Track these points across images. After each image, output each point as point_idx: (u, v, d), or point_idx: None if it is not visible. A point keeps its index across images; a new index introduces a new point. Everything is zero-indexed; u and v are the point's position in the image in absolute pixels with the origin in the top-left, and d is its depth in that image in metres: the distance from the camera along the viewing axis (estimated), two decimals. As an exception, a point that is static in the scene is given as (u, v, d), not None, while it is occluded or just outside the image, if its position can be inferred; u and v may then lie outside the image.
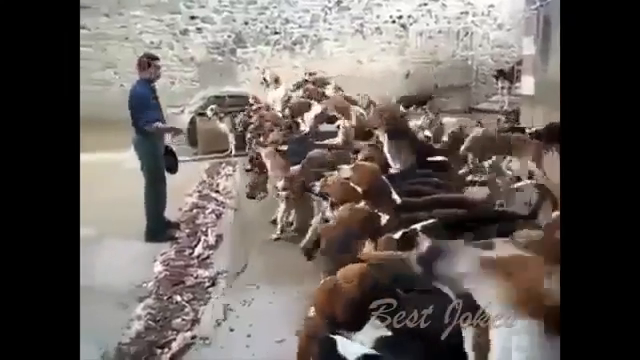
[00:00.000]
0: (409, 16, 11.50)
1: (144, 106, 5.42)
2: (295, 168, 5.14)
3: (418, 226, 2.92)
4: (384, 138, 4.61)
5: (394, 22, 11.45)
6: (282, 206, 5.36)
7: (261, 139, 6.51)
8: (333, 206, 3.59)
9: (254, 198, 5.66)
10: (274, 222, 5.49)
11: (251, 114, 8.20)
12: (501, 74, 11.24)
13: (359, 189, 3.43)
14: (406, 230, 2.89)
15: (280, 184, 5.15)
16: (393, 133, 4.56)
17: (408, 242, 2.76)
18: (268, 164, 5.42)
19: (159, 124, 5.46)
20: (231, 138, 8.99)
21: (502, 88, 11.37)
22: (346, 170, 3.60)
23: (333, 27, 11.17)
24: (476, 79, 12.09)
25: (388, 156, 4.49)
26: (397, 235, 2.86)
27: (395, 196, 3.39)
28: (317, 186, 3.88)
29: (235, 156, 8.84)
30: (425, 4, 11.58)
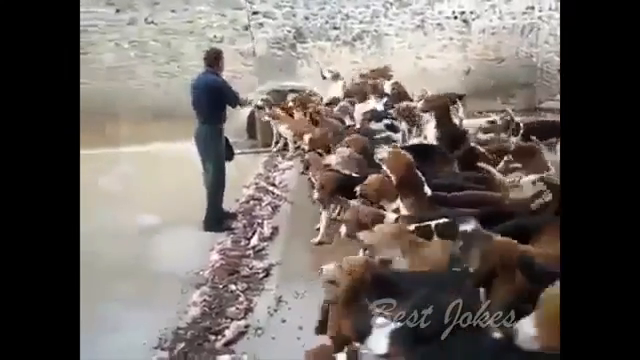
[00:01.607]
0: (471, 12, 11.21)
1: (226, 91, 5.70)
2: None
3: (432, 223, 3.07)
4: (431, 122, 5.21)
5: (456, 18, 11.20)
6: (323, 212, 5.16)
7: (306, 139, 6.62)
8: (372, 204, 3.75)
9: None
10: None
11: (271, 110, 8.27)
12: (567, 71, 10.80)
13: (393, 177, 3.58)
14: (419, 225, 3.09)
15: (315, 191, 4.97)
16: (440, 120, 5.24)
17: (422, 235, 2.99)
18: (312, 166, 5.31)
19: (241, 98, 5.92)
20: (275, 133, 9.08)
21: (568, 86, 10.93)
22: (383, 152, 3.66)
23: (394, 23, 11.05)
24: (541, 77, 11.67)
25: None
26: (411, 227, 3.09)
27: (427, 189, 3.45)
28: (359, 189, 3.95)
29: (279, 151, 8.93)
30: (489, -1, 11.27)
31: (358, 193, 3.88)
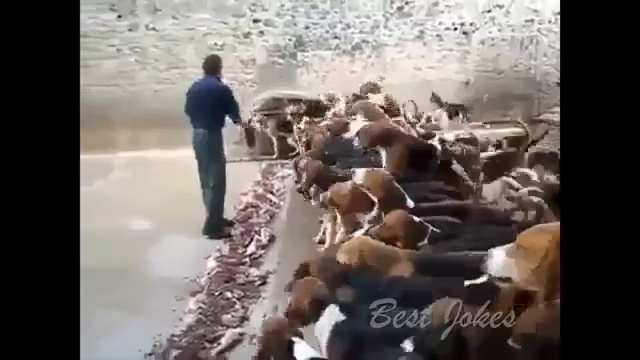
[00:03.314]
0: (471, 23, 11.28)
1: (230, 99, 5.77)
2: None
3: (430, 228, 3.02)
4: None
5: (456, 29, 11.27)
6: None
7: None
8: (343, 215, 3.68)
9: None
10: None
11: (288, 117, 8.30)
12: (565, 84, 10.88)
13: (373, 196, 3.43)
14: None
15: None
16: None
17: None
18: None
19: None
20: (275, 142, 9.13)
21: (566, 99, 10.98)
22: (359, 176, 3.60)
23: (394, 33, 11.11)
24: (539, 89, 11.73)
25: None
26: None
27: (409, 202, 3.41)
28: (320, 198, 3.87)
29: (277, 159, 8.96)
30: (489, 11, 11.34)
31: (326, 202, 3.77)
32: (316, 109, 8.32)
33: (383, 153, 4.37)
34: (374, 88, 8.05)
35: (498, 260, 1.95)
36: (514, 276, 1.91)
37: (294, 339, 2.23)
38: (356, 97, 7.89)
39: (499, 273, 1.94)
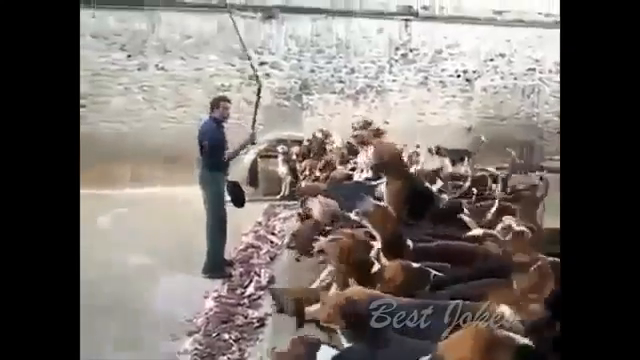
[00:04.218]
0: (474, 71, 11.49)
1: (216, 143, 5.70)
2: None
3: (432, 272, 2.99)
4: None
5: (459, 76, 11.47)
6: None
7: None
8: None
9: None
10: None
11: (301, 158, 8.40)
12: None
13: (376, 234, 3.38)
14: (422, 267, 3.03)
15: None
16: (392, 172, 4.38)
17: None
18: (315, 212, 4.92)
19: (228, 152, 5.77)
20: (285, 182, 9.19)
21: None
22: (368, 205, 3.55)
23: (398, 79, 11.31)
24: (541, 137, 11.84)
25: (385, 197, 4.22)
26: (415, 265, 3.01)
27: (409, 242, 3.40)
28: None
29: (283, 199, 9.00)
30: (491, 59, 11.57)
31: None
32: (317, 148, 8.47)
33: (384, 184, 4.40)
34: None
35: None
36: None
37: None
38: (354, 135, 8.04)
39: None
